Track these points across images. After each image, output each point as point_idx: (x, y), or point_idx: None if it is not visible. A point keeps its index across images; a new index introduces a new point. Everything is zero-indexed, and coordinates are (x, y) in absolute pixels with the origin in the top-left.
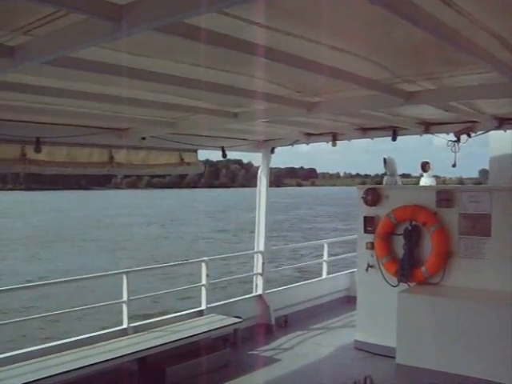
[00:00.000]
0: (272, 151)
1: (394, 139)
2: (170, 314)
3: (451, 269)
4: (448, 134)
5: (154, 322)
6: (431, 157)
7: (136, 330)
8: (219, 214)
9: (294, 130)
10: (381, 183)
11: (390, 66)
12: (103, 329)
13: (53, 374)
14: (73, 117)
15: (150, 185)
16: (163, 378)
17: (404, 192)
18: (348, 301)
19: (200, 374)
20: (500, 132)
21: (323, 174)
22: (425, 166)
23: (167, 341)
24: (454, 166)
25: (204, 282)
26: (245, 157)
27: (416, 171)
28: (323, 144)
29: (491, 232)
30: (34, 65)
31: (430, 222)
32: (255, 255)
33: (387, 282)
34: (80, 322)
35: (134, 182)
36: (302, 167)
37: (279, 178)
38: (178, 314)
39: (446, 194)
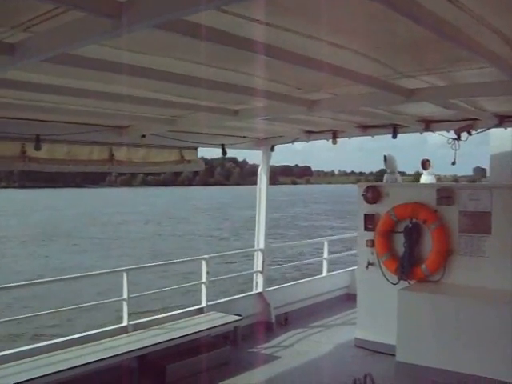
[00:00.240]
0: (272, 149)
1: (394, 137)
2: (170, 311)
3: (451, 267)
4: (448, 131)
5: (154, 319)
6: (426, 155)
7: (136, 327)
8: (215, 212)
9: (295, 127)
10: (375, 181)
11: (391, 62)
12: (101, 327)
13: (53, 371)
14: (73, 114)
15: (145, 183)
16: (163, 375)
17: (404, 190)
18: (348, 298)
19: (200, 372)
20: (500, 130)
21: (318, 171)
22: (425, 164)
23: (167, 338)
24: (453, 163)
25: (204, 279)
26: (240, 154)
27: (411, 169)
28: (318, 142)
29: (491, 230)
30: (33, 62)
31: (430, 219)
32: (255, 253)
33: (387, 279)
34: (79, 320)
35: (128, 179)
36: (296, 165)
37: (274, 175)
38: (178, 311)
39: (446, 192)
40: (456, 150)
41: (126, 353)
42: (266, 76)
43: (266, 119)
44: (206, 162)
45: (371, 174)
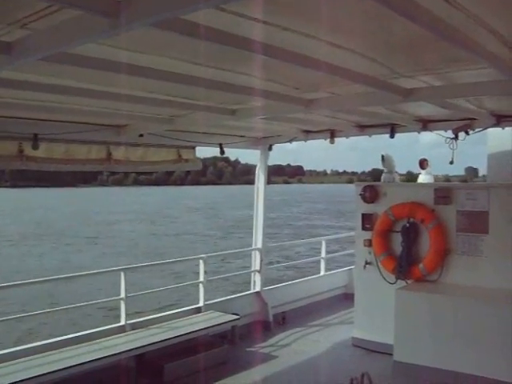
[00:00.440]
0: (270, 148)
1: (391, 136)
2: (168, 310)
3: (449, 266)
4: (446, 131)
5: (152, 318)
6: (418, 155)
7: (134, 326)
8: (209, 211)
9: (292, 127)
10: (372, 180)
11: (388, 62)
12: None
13: (50, 371)
14: (71, 113)
15: (137, 182)
16: (161, 374)
17: (402, 189)
18: (346, 298)
19: (198, 371)
20: (498, 129)
21: (310, 171)
22: (423, 164)
23: (165, 338)
24: (451, 163)
25: (202, 278)
26: (232, 154)
27: (403, 169)
28: (310, 141)
29: (489, 229)
30: (31, 61)
31: (427, 219)
32: (253, 252)
33: (385, 279)
34: (77, 320)
35: (120, 179)
36: (289, 164)
37: (267, 175)
38: (176, 310)
39: (443, 192)
40: (454, 149)
41: (123, 352)
42: (264, 75)
43: (263, 118)
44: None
45: (363, 173)
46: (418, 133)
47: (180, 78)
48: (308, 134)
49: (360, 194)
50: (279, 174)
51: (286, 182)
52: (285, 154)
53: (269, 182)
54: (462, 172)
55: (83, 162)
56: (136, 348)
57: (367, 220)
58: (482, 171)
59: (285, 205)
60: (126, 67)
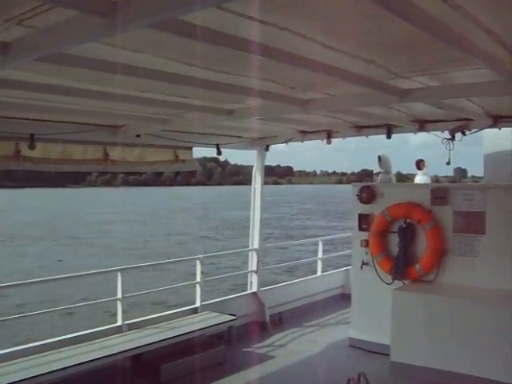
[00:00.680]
0: (267, 149)
1: (388, 137)
2: (165, 311)
3: (445, 266)
4: (442, 131)
5: (149, 319)
6: (408, 156)
7: (130, 327)
8: (200, 212)
9: (289, 127)
10: (357, 181)
11: (384, 62)
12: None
13: (47, 371)
14: (67, 114)
15: (126, 183)
16: (158, 375)
17: (399, 190)
18: (343, 298)
19: (194, 372)
20: (494, 130)
21: (300, 171)
22: (419, 164)
23: (162, 338)
24: (448, 163)
25: (198, 279)
26: (222, 154)
27: (393, 169)
28: (299, 142)
29: (485, 230)
30: (27, 61)
31: (424, 219)
32: (250, 253)
33: (382, 279)
34: (74, 320)
35: (109, 179)
36: (278, 165)
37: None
38: (173, 311)
39: (440, 192)
40: (450, 150)
41: (120, 352)
42: (260, 75)
43: (260, 119)
44: None
45: (353, 173)
46: (415, 133)
47: (176, 78)
48: (305, 134)
49: (357, 195)
50: (269, 174)
51: (276, 183)
52: (275, 154)
53: None
54: (451, 173)
55: (80, 163)
56: (133, 348)
57: (364, 220)
58: (471, 172)
59: (275, 205)
60: (123, 67)
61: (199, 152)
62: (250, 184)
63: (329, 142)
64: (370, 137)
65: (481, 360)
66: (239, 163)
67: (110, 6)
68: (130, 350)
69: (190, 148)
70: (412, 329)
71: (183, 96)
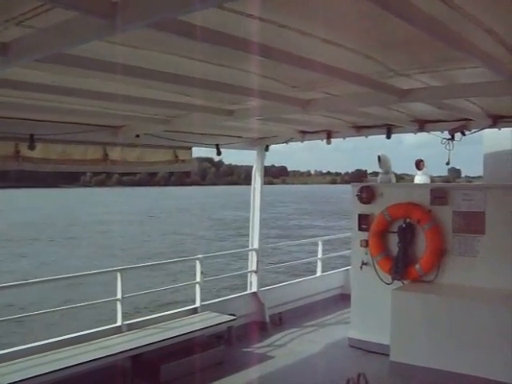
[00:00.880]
0: (266, 149)
1: (388, 137)
2: (164, 311)
3: (445, 266)
4: (442, 132)
5: (148, 319)
6: (401, 156)
7: (130, 327)
8: (196, 212)
9: (289, 127)
10: (351, 181)
11: (384, 61)
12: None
13: (46, 371)
14: (67, 114)
15: (120, 183)
16: (157, 375)
17: (398, 190)
18: (342, 298)
19: (194, 372)
20: (494, 130)
21: (294, 171)
22: (419, 164)
23: (161, 338)
24: (447, 163)
25: (198, 279)
26: (215, 154)
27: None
28: (293, 142)
29: (485, 230)
30: (27, 62)
31: (424, 219)
32: (249, 253)
33: (381, 279)
34: (73, 321)
35: (103, 179)
36: (273, 165)
37: (250, 175)
38: (172, 311)
39: (440, 192)
40: (450, 150)
41: (119, 353)
42: (260, 73)
43: (260, 119)
44: None
45: (347, 174)
46: (415, 133)
47: (177, 79)
48: (305, 134)
49: (357, 195)
50: (264, 174)
51: (271, 183)
52: (269, 154)
53: (251, 182)
54: (445, 172)
55: (79, 163)
56: (132, 349)
57: (364, 220)
58: (465, 172)
59: (270, 205)
60: (123, 68)
61: (194, 152)
62: (244, 184)
63: (329, 142)
64: (364, 137)
65: (480, 360)
66: (233, 163)
67: (110, 7)
68: (130, 350)
69: (190, 148)
70: (411, 329)
71: (183, 96)
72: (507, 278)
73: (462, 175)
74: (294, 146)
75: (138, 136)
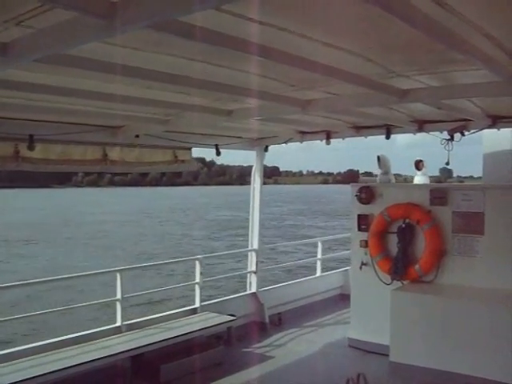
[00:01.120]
0: (266, 149)
1: (387, 137)
2: (164, 311)
3: (445, 267)
4: (442, 132)
5: (148, 319)
6: (393, 155)
7: (130, 327)
8: (190, 212)
9: (288, 128)
10: (341, 182)
11: (384, 62)
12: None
13: (46, 371)
14: (66, 114)
15: (112, 183)
16: (157, 375)
17: (398, 190)
18: (342, 298)
19: (194, 372)
20: (494, 130)
21: (286, 171)
22: (418, 165)
23: (161, 338)
24: (447, 163)
25: (198, 279)
26: (208, 154)
27: (378, 170)
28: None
29: (484, 230)
30: (26, 62)
31: (423, 220)
32: (249, 253)
33: (381, 279)
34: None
35: (94, 180)
36: (265, 165)
37: (242, 176)
38: (172, 311)
39: (439, 193)
40: (449, 150)
41: (119, 353)
42: (259, 73)
43: (259, 119)
44: None
45: (339, 174)
46: (414, 134)
47: (176, 79)
48: (304, 135)
49: (356, 195)
50: None
51: (263, 183)
52: None
53: (244, 182)
54: (436, 173)
55: (79, 163)
56: (132, 349)
57: (363, 221)
58: (456, 172)
59: (265, 205)
60: (122, 68)
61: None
62: (237, 184)
63: (328, 143)
64: (364, 137)
65: (480, 360)
66: (226, 163)
67: (109, 7)
68: (130, 350)
69: (189, 148)
70: (411, 329)
71: (182, 96)
72: (507, 278)
73: (454, 175)
74: (286, 146)
75: (137, 136)
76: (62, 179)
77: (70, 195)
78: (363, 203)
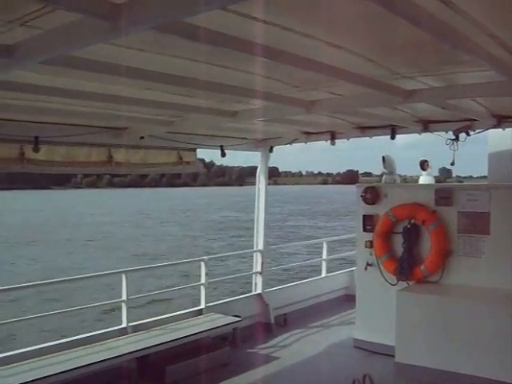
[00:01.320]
0: (271, 150)
1: (392, 138)
2: (170, 313)
3: (450, 267)
4: (447, 132)
5: (154, 321)
6: (393, 155)
7: (135, 329)
8: (190, 213)
9: (293, 128)
10: (341, 182)
11: (389, 63)
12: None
13: (52, 373)
14: (72, 116)
15: (111, 184)
16: (163, 376)
17: (403, 190)
18: (347, 299)
19: (199, 373)
20: (499, 129)
21: (285, 172)
22: (423, 165)
23: (166, 340)
24: (452, 164)
25: (203, 280)
26: (207, 155)
27: (378, 170)
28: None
29: (490, 230)
30: (32, 64)
31: (429, 220)
32: (254, 254)
33: (386, 280)
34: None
35: (94, 181)
36: None
37: (242, 176)
38: (177, 313)
39: (444, 193)
40: (454, 150)
41: (125, 354)
42: (264, 74)
43: (264, 120)
44: None
45: (338, 174)
46: (419, 134)
47: (180, 80)
48: (309, 135)
49: (361, 196)
50: (255, 175)
51: None
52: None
53: (243, 183)
54: (436, 173)
55: (84, 165)
56: (138, 350)
57: (368, 221)
58: (456, 172)
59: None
60: (127, 69)
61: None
62: (236, 185)
63: (333, 143)
64: (354, 138)
65: (486, 361)
66: (225, 164)
67: (114, 9)
68: (136, 351)
69: (194, 150)
70: (417, 330)
71: (187, 98)
72: None
73: (453, 175)
74: (285, 146)
75: (142, 138)
76: (61, 181)
77: (70, 196)
78: (368, 203)
